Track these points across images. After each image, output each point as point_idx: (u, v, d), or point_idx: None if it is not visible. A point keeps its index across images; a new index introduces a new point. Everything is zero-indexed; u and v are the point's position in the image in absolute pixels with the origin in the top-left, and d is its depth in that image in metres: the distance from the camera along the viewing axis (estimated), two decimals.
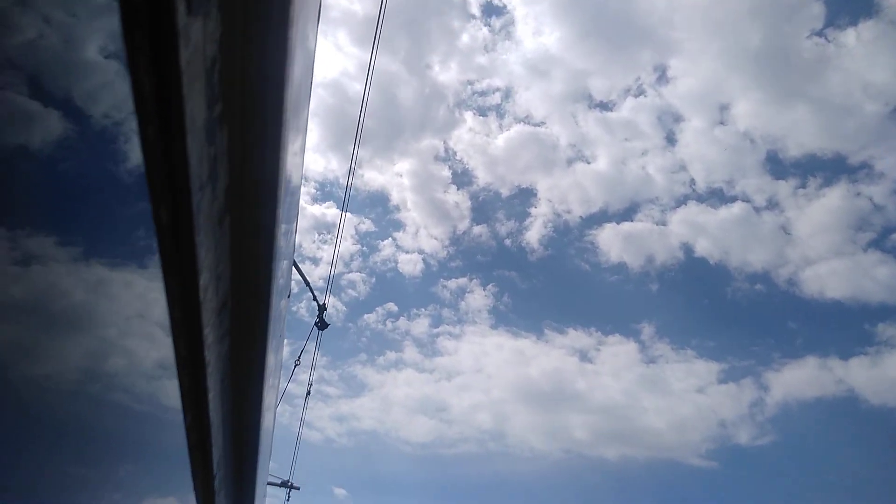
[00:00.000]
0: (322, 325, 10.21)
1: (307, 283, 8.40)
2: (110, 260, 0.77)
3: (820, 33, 41.99)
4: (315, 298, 9.51)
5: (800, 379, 46.23)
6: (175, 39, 0.63)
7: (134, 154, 0.71)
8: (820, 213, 44.66)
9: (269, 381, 1.78)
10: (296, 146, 1.33)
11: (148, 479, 1.35)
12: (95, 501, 1.09)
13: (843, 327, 48.09)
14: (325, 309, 9.94)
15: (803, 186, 44.98)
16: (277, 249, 1.13)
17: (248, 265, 1.03)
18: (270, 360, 1.52)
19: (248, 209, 0.99)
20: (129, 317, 0.88)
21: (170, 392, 1.07)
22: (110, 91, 0.67)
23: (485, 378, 53.55)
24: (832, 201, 44.22)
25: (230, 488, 1.81)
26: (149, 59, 0.65)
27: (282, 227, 1.14)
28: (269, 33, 0.79)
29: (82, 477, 0.97)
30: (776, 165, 46.26)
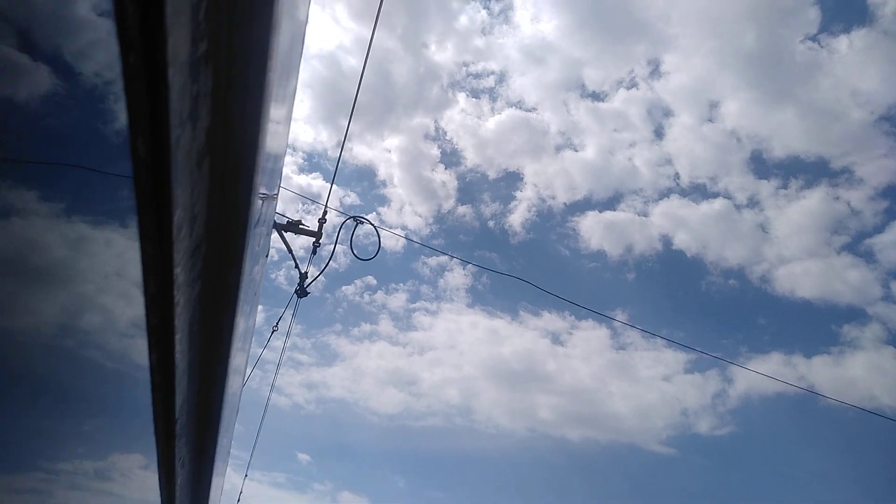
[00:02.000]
0: (302, 292, 10.21)
1: (288, 248, 8.36)
2: (84, 184, 0.78)
3: (814, 38, 42.00)
4: (297, 265, 9.50)
5: (764, 373, 47.43)
6: None
7: (116, 83, 0.71)
8: (798, 214, 45.16)
9: (239, 343, 1.79)
10: (281, 111, 1.33)
11: (111, 417, 1.37)
12: (60, 440, 1.10)
13: (810, 326, 48.91)
14: (306, 276, 9.93)
15: (784, 187, 45.38)
16: (255, 200, 1.14)
17: (223, 209, 1.04)
18: (240, 319, 1.54)
19: (229, 154, 0.99)
20: (100, 247, 0.89)
21: (137, 329, 1.08)
22: (93, 18, 0.68)
23: (457, 355, 53.99)
24: (811, 203, 44.69)
25: (191, 436, 1.83)
26: None
27: (260, 179, 1.15)
28: None
29: (46, 421, 0.98)
30: (760, 165, 46.60)
